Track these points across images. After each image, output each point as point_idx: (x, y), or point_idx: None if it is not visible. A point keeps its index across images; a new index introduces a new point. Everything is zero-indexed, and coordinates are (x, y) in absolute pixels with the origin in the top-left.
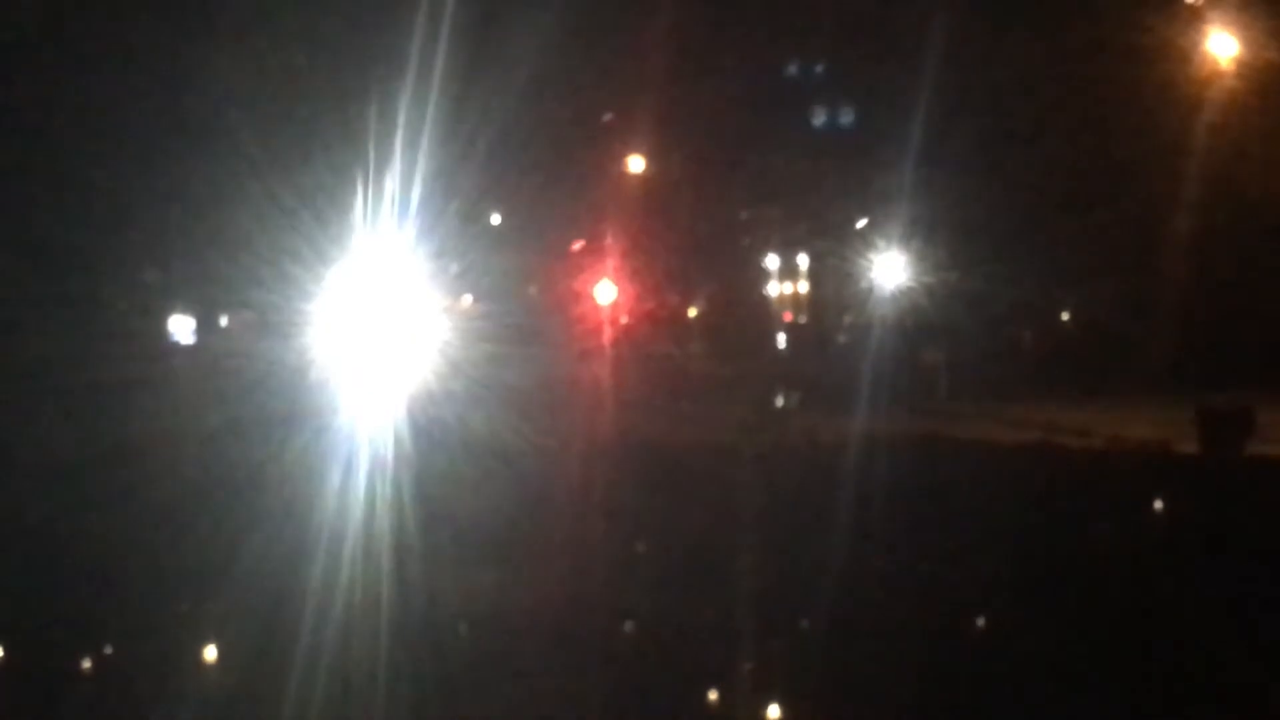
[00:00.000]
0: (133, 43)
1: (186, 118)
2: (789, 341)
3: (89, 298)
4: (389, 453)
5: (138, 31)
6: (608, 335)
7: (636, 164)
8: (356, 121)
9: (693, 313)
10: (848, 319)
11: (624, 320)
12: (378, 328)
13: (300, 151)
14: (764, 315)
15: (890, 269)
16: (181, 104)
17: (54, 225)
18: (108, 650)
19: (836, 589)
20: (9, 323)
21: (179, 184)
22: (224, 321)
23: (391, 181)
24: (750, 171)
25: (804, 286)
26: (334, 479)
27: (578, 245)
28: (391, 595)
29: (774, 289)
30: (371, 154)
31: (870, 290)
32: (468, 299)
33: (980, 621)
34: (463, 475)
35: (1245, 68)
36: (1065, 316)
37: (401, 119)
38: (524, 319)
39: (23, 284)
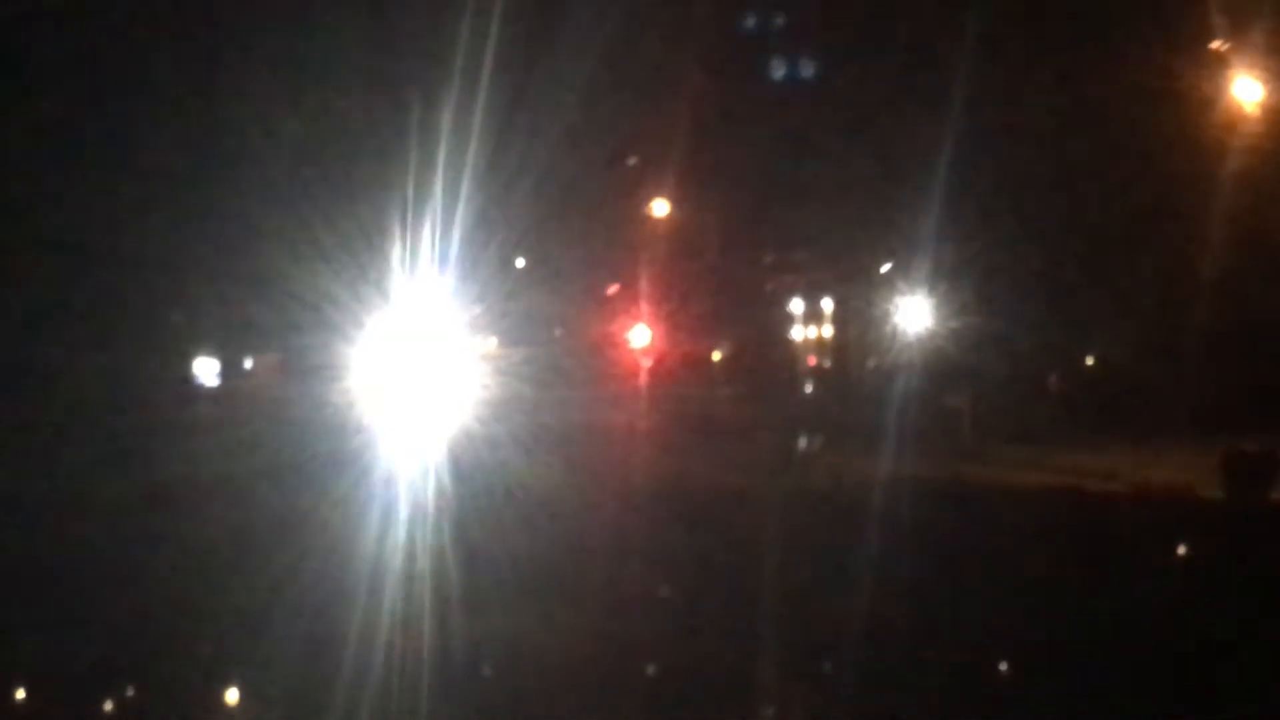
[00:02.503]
0: (170, 84)
1: (215, 158)
2: (813, 385)
3: (117, 339)
4: (418, 497)
5: (175, 73)
6: (633, 378)
7: (661, 208)
8: (387, 164)
9: (717, 356)
10: (872, 362)
11: (648, 363)
12: (406, 370)
13: (329, 194)
14: (788, 359)
15: (915, 312)
16: (211, 145)
17: (80, 266)
18: (137, 694)
19: (859, 633)
20: (34, 365)
21: (207, 224)
22: (249, 364)
23: (421, 224)
24: (775, 215)
25: (828, 330)
26: (368, 525)
27: (603, 288)
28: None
29: (798, 332)
30: (403, 197)
31: (895, 334)
32: (492, 342)
33: (1004, 667)
34: (492, 520)
35: (1270, 112)
36: (1090, 360)
37: (433, 164)
38: (550, 362)
39: (47, 325)
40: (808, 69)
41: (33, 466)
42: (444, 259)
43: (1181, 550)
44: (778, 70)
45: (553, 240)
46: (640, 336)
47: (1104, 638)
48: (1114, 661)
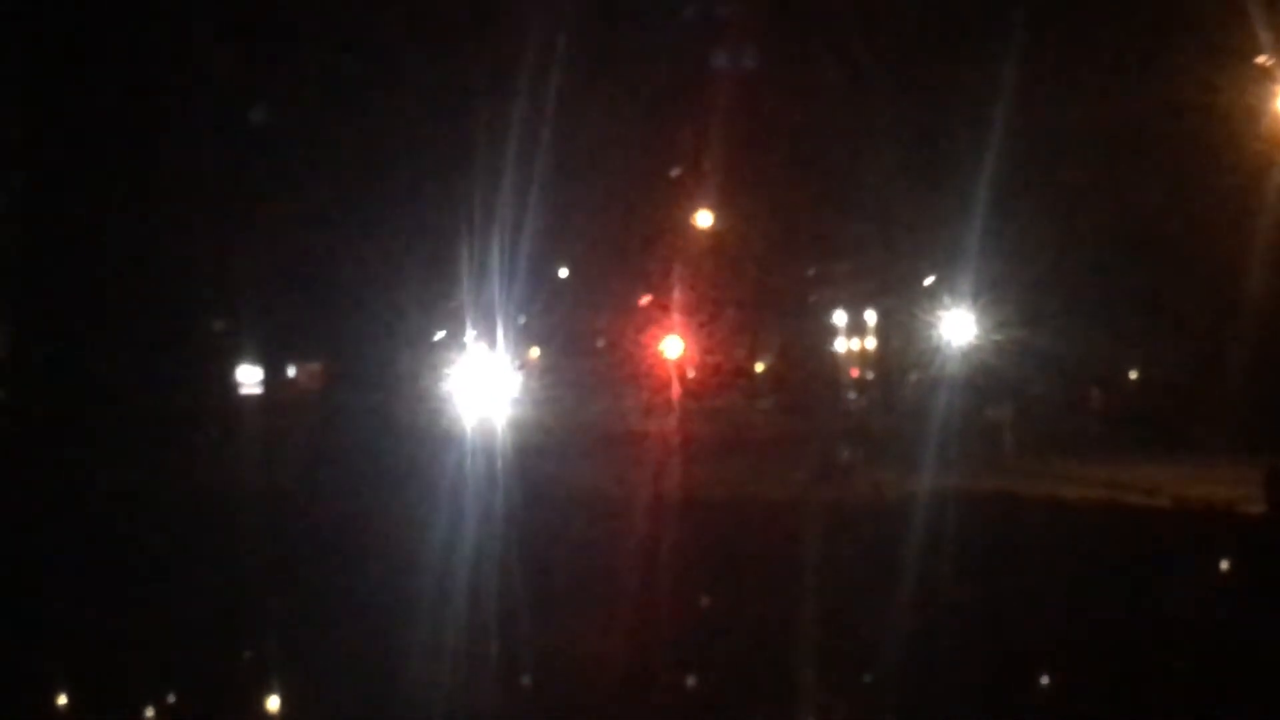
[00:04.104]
0: (225, 96)
1: (268, 168)
2: (856, 397)
3: (163, 345)
4: (467, 508)
5: (230, 84)
6: (675, 389)
7: (704, 219)
8: (435, 179)
9: (760, 368)
10: (914, 375)
11: (691, 374)
12: (453, 380)
13: (380, 208)
14: (831, 371)
15: (958, 325)
16: (266, 157)
17: (128, 273)
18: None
19: (900, 645)
20: (82, 371)
21: (257, 232)
22: (292, 372)
23: (467, 238)
24: (818, 227)
25: (871, 342)
26: (427, 535)
27: (647, 299)
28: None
29: (841, 344)
30: (449, 211)
31: (937, 346)
32: (535, 352)
33: (1046, 681)
34: (540, 529)
35: None
36: (1133, 374)
37: (479, 180)
38: (593, 372)
39: (94, 331)
40: (852, 83)
41: (76, 470)
42: (490, 271)
43: (1224, 566)
44: (820, 83)
45: (596, 252)
46: (682, 348)
47: (1145, 653)
48: (1156, 677)
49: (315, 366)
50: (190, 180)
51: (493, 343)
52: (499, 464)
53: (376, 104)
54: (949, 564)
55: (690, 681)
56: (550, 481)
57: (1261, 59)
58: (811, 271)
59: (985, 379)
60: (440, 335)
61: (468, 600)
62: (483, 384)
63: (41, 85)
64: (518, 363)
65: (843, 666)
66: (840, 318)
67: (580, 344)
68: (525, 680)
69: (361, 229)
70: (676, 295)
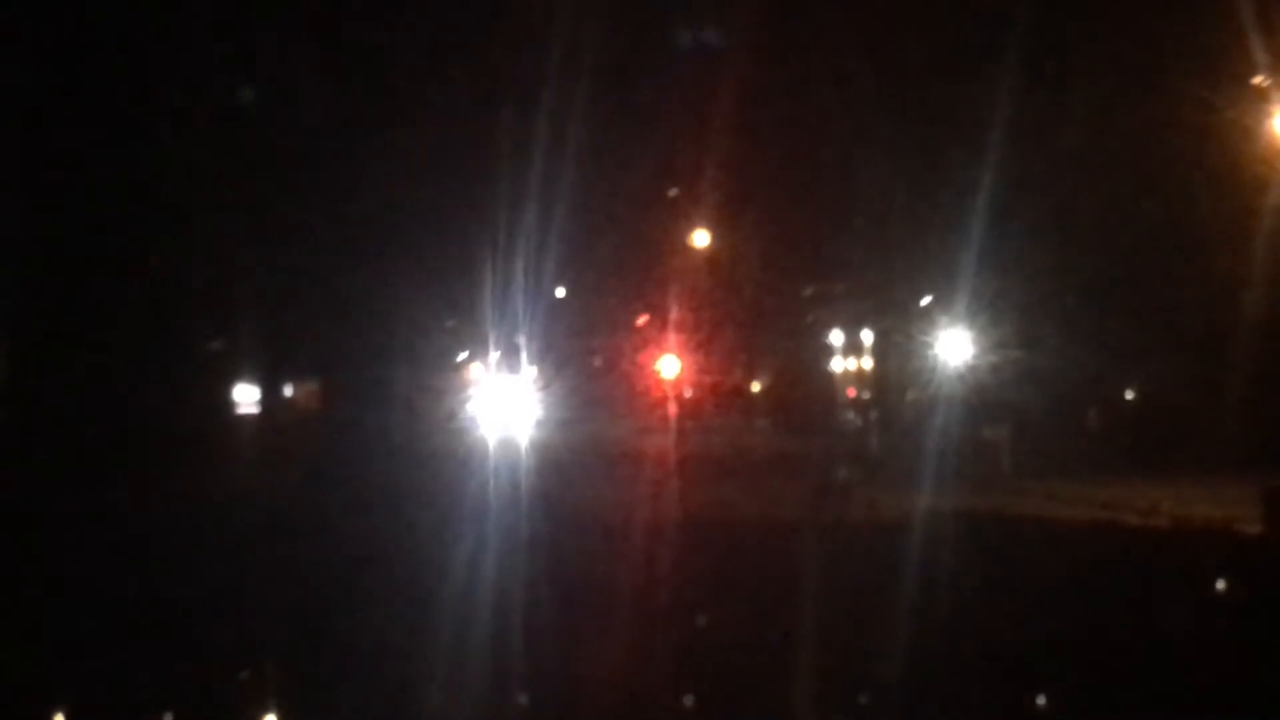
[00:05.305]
0: (236, 127)
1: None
2: (852, 417)
3: (162, 363)
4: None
5: (238, 114)
6: (672, 409)
7: (701, 239)
8: (431, 200)
9: (756, 387)
10: (911, 395)
11: (688, 394)
12: (451, 401)
13: (382, 227)
14: (827, 391)
15: (954, 345)
16: (279, 188)
17: (129, 288)
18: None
19: (899, 669)
20: (79, 389)
21: (258, 251)
22: (289, 391)
23: (466, 258)
24: (815, 249)
25: (868, 362)
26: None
27: (645, 320)
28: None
29: (838, 364)
30: (442, 231)
31: (934, 366)
32: (532, 372)
33: (1042, 703)
34: (542, 555)
35: None
36: (1130, 394)
37: (478, 199)
38: (590, 392)
39: (93, 350)
40: (850, 105)
41: (73, 490)
42: (486, 292)
43: (1223, 587)
44: (818, 105)
45: (595, 273)
46: (679, 368)
47: (1144, 674)
48: (1154, 698)
49: (313, 386)
50: (189, 198)
51: (496, 363)
52: (499, 480)
53: (382, 124)
54: (946, 584)
55: (692, 700)
56: (555, 501)
57: (1258, 79)
58: (809, 292)
59: (982, 399)
60: (462, 357)
61: (473, 617)
62: (484, 403)
63: (41, 104)
64: (514, 384)
65: (840, 686)
66: (837, 337)
67: (577, 364)
68: (529, 700)
69: (366, 247)
70: (675, 315)
